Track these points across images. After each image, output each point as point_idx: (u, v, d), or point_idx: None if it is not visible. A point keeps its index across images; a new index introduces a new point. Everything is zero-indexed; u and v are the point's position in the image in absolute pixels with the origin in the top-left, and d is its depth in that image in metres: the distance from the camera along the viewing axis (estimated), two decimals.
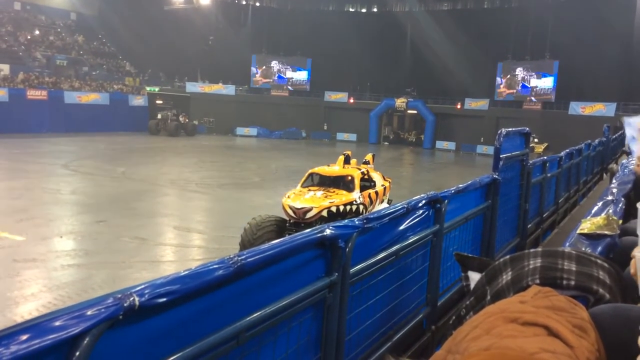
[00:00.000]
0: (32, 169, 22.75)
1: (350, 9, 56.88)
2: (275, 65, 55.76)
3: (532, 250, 1.70)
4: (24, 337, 1.24)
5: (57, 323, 1.32)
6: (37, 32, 48.81)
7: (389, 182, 14.34)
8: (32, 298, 9.11)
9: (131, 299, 1.48)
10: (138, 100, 47.33)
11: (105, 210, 16.03)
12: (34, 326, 1.28)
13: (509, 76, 49.19)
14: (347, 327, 2.81)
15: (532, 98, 48.33)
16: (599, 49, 40.98)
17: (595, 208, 3.21)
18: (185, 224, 15.21)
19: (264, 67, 55.61)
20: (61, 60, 46.56)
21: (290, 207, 11.24)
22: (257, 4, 57.14)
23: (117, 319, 1.44)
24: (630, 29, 40.80)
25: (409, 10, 53.13)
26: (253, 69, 55.30)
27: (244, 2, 57.00)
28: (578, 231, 2.64)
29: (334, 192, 11.93)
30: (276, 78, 55.93)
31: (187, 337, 1.77)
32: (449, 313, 4.18)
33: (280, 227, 11.10)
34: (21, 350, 1.21)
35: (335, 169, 13.08)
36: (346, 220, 2.75)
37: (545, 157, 8.34)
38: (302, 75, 56.05)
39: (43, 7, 52.12)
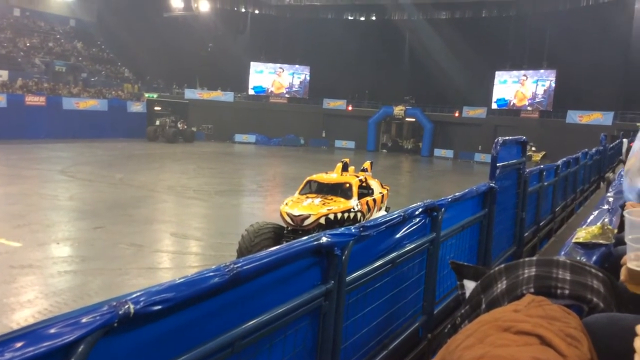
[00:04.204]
0: (30, 175, 22.73)
1: (349, 17, 57.07)
2: (274, 72, 55.80)
3: (527, 259, 1.70)
4: (19, 344, 1.24)
5: (52, 330, 1.32)
6: (36, 38, 48.87)
7: (387, 190, 14.35)
8: (28, 304, 9.08)
9: (126, 306, 1.48)
10: (136, 107, 47.37)
11: (102, 216, 16.00)
12: (29, 333, 1.28)
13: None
14: (343, 335, 2.81)
15: (529, 107, 48.48)
16: (597, 58, 41.12)
17: (591, 217, 3.22)
18: (183, 231, 15.19)
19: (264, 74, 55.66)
20: (60, 66, 46.63)
21: (288, 214, 11.24)
22: (257, 12, 57.34)
23: (112, 327, 1.44)
24: (628, 38, 40.98)
25: (408, 19, 53.37)
26: (253, 77, 55.26)
27: (243, 10, 57.19)
28: (573, 240, 2.65)
29: (331, 199, 11.94)
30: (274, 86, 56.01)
31: (182, 345, 1.77)
32: (445, 321, 4.18)
33: (278, 234, 11.10)
34: (16, 358, 1.21)
35: (333, 176, 13.10)
36: (342, 228, 2.75)
37: (542, 166, 8.37)
38: (300, 83, 56.13)
39: (42, 13, 52.23)
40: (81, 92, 44.56)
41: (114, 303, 1.48)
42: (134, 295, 1.55)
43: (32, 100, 39.04)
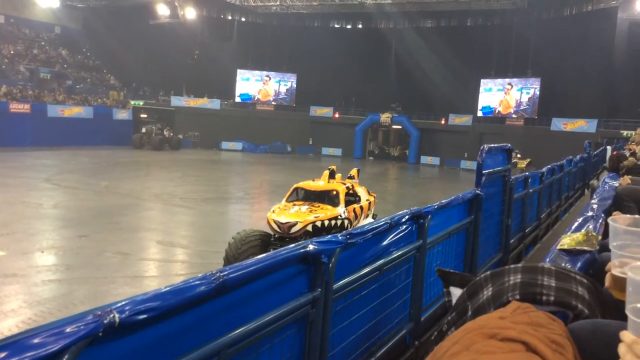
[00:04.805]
0: (14, 183, 22.47)
1: (336, 25, 57.23)
2: (260, 80, 55.78)
3: (512, 265, 1.71)
4: (2, 354, 1.22)
5: (36, 340, 1.30)
6: (20, 45, 48.48)
7: (374, 197, 14.38)
8: (12, 314, 8.96)
9: (111, 315, 1.47)
10: (122, 114, 47.10)
11: (87, 224, 15.86)
12: (12, 344, 1.27)
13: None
14: (330, 343, 2.80)
15: (514, 114, 48.89)
16: (581, 66, 41.60)
17: (576, 224, 3.25)
18: (169, 239, 15.10)
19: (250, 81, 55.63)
20: (45, 73, 46.26)
21: (275, 222, 11.23)
22: (243, 19, 57.28)
23: (96, 336, 1.43)
24: (611, 46, 41.49)
25: (394, 27, 53.60)
26: (240, 84, 55.19)
27: (229, 17, 57.14)
28: (558, 247, 2.66)
29: (318, 206, 11.94)
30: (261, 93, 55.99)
31: (167, 354, 1.76)
32: (432, 328, 4.18)
33: (265, 241, 11.08)
34: None
35: (320, 183, 13.11)
36: (329, 236, 2.75)
37: (527, 173, 8.43)
38: (287, 90, 56.16)
39: (27, 20, 51.82)
40: (66, 100, 44.22)
41: (99, 312, 1.46)
42: (119, 304, 1.53)
43: (16, 107, 38.67)
